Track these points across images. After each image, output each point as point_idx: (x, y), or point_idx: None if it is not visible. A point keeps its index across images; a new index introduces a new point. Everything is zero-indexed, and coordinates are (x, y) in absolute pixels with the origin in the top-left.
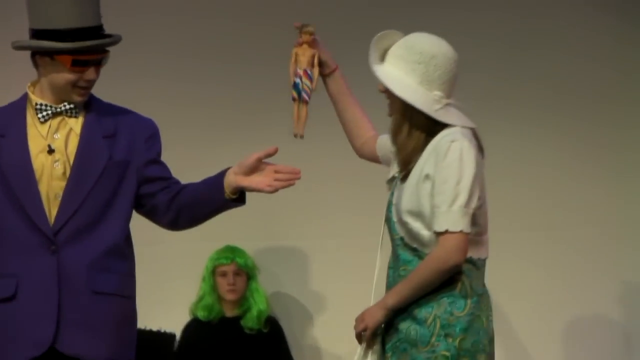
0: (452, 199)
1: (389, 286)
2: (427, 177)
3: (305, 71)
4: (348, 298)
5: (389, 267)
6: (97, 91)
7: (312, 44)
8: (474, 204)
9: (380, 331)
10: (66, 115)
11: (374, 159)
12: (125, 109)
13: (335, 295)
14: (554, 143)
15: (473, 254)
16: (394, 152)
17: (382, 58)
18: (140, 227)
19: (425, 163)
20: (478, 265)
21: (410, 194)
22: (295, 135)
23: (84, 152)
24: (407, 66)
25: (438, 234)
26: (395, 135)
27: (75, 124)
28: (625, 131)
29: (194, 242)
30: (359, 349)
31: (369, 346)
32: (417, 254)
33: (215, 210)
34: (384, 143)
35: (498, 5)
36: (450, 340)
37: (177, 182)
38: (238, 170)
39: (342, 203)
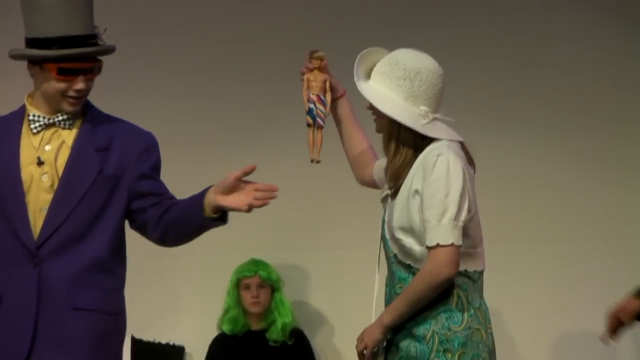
0: (441, 212)
1: (387, 304)
2: (416, 192)
3: (318, 96)
4: (372, 309)
5: (386, 285)
6: (99, 104)
7: (323, 69)
8: (463, 216)
9: (382, 350)
10: (60, 127)
11: (374, 185)
12: (124, 121)
13: (360, 306)
14: (551, 157)
15: (468, 266)
16: (384, 169)
17: (368, 75)
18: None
19: (413, 178)
20: (474, 278)
21: (400, 210)
22: (312, 161)
23: (74, 165)
24: (392, 82)
25: (429, 248)
26: (385, 151)
27: (69, 136)
28: (622, 146)
29: (201, 255)
30: None
31: None
32: (411, 270)
33: (197, 228)
34: (379, 166)
35: (495, 16)
36: (449, 355)
37: (171, 197)
38: (217, 189)
39: (365, 213)
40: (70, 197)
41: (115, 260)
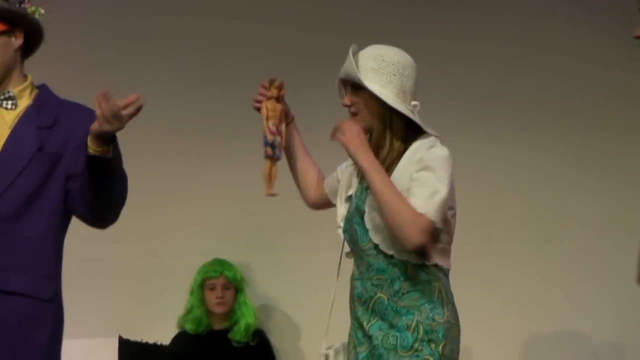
0: (434, 191)
1: (360, 296)
2: (410, 180)
3: (277, 127)
4: (335, 311)
5: (355, 279)
6: None
7: (280, 98)
8: (447, 207)
9: (343, 348)
10: (2, 107)
11: (325, 204)
12: (77, 103)
13: (323, 308)
14: (561, 152)
15: (445, 263)
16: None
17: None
18: (134, 240)
19: (404, 169)
20: (447, 275)
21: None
22: (270, 195)
23: (12, 143)
24: (383, 78)
25: None
26: (377, 145)
27: (9, 115)
28: (633, 139)
29: (184, 256)
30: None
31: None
32: (392, 261)
33: (94, 176)
34: (330, 180)
35: (485, 23)
36: (433, 346)
37: None
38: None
39: (329, 215)
40: (5, 175)
41: (52, 245)
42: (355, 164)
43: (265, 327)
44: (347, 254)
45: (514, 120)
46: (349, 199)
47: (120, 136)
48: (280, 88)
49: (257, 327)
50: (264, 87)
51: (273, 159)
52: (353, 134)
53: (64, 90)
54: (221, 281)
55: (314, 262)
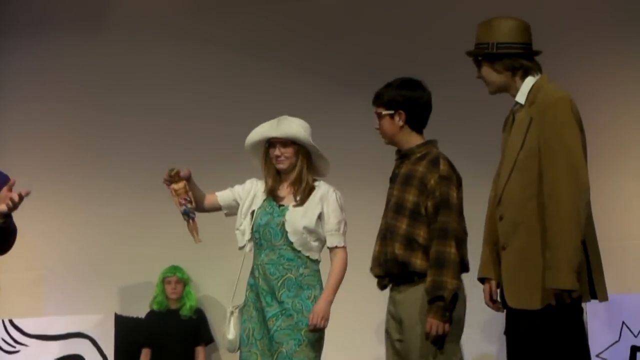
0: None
1: (273, 274)
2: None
3: (185, 198)
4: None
5: (266, 264)
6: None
7: (179, 178)
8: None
9: (256, 305)
10: None
11: (214, 209)
12: None
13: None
14: None
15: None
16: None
17: None
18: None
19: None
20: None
21: (309, 216)
22: (198, 242)
23: None
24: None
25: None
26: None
27: None
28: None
29: (153, 262)
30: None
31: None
32: (298, 254)
33: None
34: (226, 195)
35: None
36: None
37: None
38: None
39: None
40: None
41: None
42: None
43: (202, 306)
44: (240, 248)
45: None
46: (252, 213)
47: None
48: (177, 174)
49: (197, 306)
50: (169, 177)
51: (190, 219)
52: (326, 313)
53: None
54: (174, 279)
55: (226, 260)
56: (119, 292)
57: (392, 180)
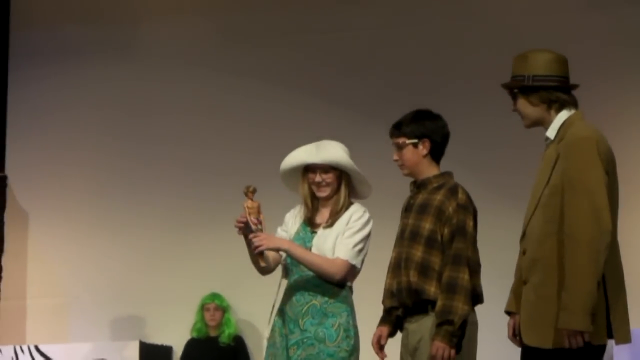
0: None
1: (299, 301)
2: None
3: (257, 219)
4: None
5: (292, 290)
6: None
7: (253, 197)
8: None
9: (281, 331)
10: None
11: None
12: None
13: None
14: None
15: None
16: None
17: None
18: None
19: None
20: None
21: (335, 238)
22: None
23: None
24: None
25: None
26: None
27: None
28: None
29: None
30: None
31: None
32: (324, 280)
33: None
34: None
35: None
36: (349, 340)
37: None
38: None
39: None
40: None
41: None
42: (286, 246)
43: (242, 334)
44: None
45: None
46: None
47: None
48: (254, 191)
49: (236, 334)
50: (245, 193)
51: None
52: (269, 241)
53: None
54: (213, 306)
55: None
56: (143, 319)
57: (407, 209)
